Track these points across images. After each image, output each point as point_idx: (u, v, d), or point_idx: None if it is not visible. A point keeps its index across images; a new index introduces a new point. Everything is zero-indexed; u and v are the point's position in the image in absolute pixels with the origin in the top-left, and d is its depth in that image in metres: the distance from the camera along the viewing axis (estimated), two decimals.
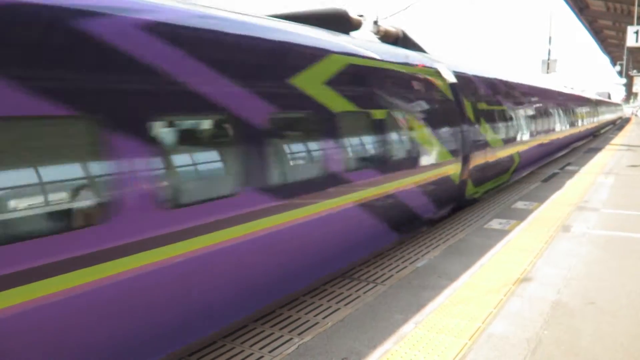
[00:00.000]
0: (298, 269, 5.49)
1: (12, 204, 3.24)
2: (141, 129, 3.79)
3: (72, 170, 3.53)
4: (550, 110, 18.52)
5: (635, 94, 64.57)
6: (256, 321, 5.12)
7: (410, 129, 7.66)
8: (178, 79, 4.14)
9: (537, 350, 4.04)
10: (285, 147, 5.45)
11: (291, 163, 5.57)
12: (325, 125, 5.84)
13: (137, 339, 3.84)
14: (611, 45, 43.25)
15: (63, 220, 3.39)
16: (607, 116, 45.88)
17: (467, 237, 8.03)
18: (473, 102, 10.47)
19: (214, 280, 4.44)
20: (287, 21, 6.36)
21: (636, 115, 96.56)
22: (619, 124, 58.87)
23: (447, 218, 9.54)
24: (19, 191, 3.25)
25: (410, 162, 7.58)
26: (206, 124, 4.90)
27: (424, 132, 8.04)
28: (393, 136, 7.13)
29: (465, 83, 10.48)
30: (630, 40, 18.03)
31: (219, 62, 4.58)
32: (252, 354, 4.53)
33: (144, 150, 3.79)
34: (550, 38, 33.39)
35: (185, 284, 4.12)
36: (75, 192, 3.53)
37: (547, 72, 31.79)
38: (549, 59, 31.98)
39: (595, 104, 34.68)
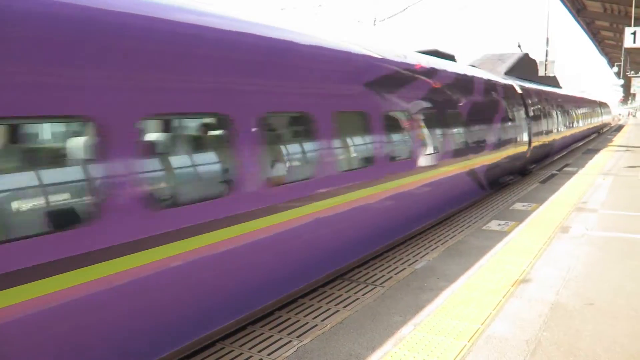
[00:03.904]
0: None
1: None
2: None
3: None
4: None
5: (633, 95, 64.63)
6: (255, 323, 5.10)
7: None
8: None
9: (537, 352, 4.03)
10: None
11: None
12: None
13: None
14: (609, 46, 43.35)
15: None
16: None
17: (465, 238, 8.03)
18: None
19: None
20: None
21: (634, 116, 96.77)
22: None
23: (446, 220, 9.56)
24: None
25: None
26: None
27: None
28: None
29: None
30: (628, 42, 18.05)
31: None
32: (251, 356, 4.51)
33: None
34: (547, 39, 33.45)
35: None
36: None
37: (545, 74, 31.85)
38: (546, 60, 32.04)
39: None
